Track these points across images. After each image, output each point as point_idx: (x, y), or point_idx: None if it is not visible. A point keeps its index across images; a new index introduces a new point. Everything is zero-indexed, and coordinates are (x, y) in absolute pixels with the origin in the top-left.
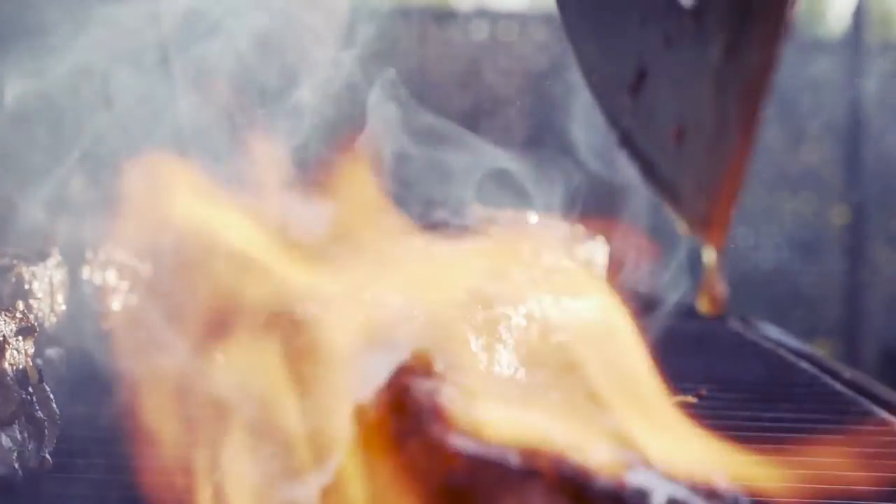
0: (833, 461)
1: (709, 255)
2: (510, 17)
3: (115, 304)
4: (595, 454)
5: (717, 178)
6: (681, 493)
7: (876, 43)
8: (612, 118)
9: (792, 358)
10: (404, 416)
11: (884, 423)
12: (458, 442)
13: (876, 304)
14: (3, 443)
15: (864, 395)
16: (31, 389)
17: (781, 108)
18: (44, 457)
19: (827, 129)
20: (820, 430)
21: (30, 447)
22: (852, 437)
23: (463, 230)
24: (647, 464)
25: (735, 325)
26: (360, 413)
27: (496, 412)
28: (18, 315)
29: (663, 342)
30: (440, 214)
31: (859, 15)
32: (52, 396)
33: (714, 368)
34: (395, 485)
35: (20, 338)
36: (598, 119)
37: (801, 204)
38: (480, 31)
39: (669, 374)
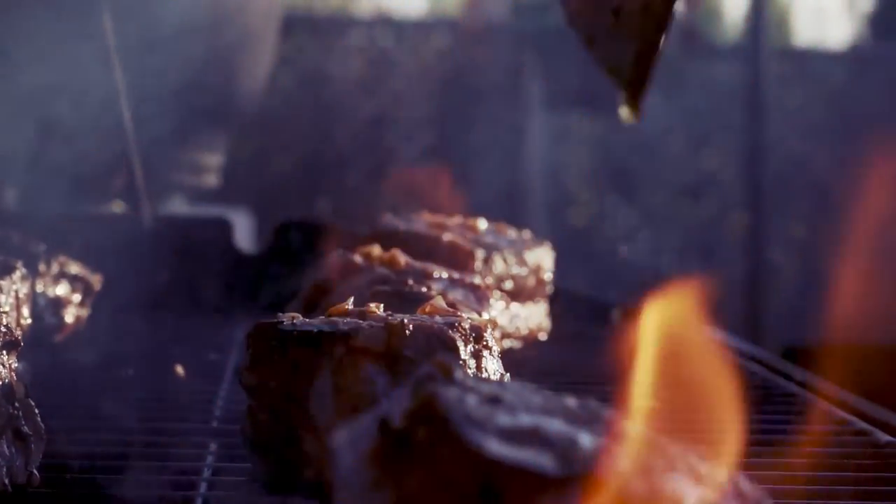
0: (807, 462)
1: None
2: (413, 24)
3: (69, 317)
4: (625, 458)
5: (638, 49)
6: (712, 496)
7: (774, 48)
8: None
9: (738, 359)
10: (434, 425)
11: (845, 422)
12: (494, 448)
13: (776, 307)
14: None
15: (817, 394)
16: (17, 404)
17: (682, 113)
18: (32, 472)
19: (727, 134)
20: (786, 432)
21: (17, 463)
22: (818, 438)
23: (413, 237)
24: (675, 467)
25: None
26: (383, 423)
27: (522, 418)
28: (3, 329)
29: (604, 347)
30: (389, 221)
31: (757, 20)
32: (37, 411)
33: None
34: (426, 495)
35: (4, 352)
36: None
37: (703, 209)
38: (385, 39)
39: (622, 378)
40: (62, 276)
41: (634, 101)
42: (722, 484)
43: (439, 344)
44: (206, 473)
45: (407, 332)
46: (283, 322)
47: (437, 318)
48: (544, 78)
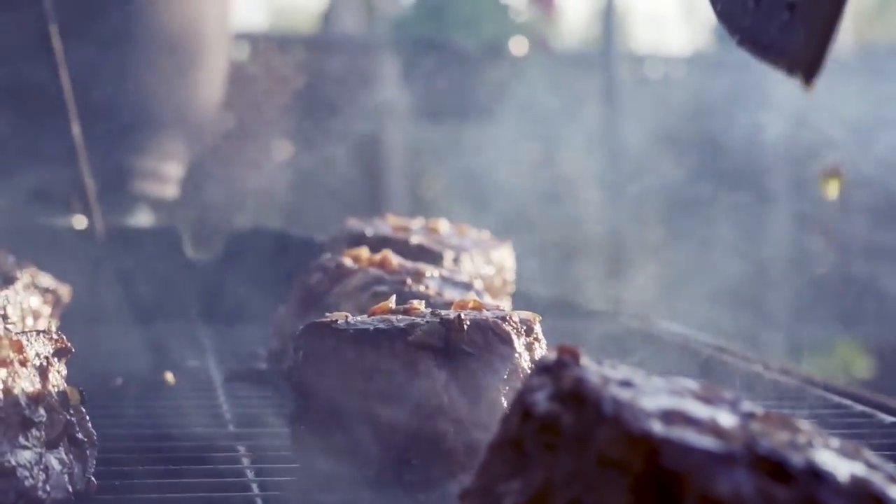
0: None
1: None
2: (269, 38)
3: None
4: (772, 435)
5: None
6: (861, 470)
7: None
8: None
9: (709, 350)
10: (585, 409)
11: (840, 406)
12: (661, 430)
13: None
14: (54, 465)
15: (802, 380)
16: (71, 411)
17: (535, 122)
18: (90, 479)
19: (587, 139)
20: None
21: (75, 470)
22: (819, 421)
23: (381, 241)
24: (813, 442)
25: (633, 322)
26: (525, 410)
27: (661, 400)
28: (55, 336)
29: (577, 343)
30: (355, 226)
31: (608, 25)
32: (88, 418)
33: (644, 363)
34: (582, 477)
35: (56, 359)
36: None
37: (560, 214)
38: (241, 52)
39: None
40: (33, 287)
41: (811, 80)
42: (857, 456)
43: (495, 337)
44: (251, 475)
45: (465, 326)
46: (336, 321)
47: (486, 313)
48: (402, 88)
